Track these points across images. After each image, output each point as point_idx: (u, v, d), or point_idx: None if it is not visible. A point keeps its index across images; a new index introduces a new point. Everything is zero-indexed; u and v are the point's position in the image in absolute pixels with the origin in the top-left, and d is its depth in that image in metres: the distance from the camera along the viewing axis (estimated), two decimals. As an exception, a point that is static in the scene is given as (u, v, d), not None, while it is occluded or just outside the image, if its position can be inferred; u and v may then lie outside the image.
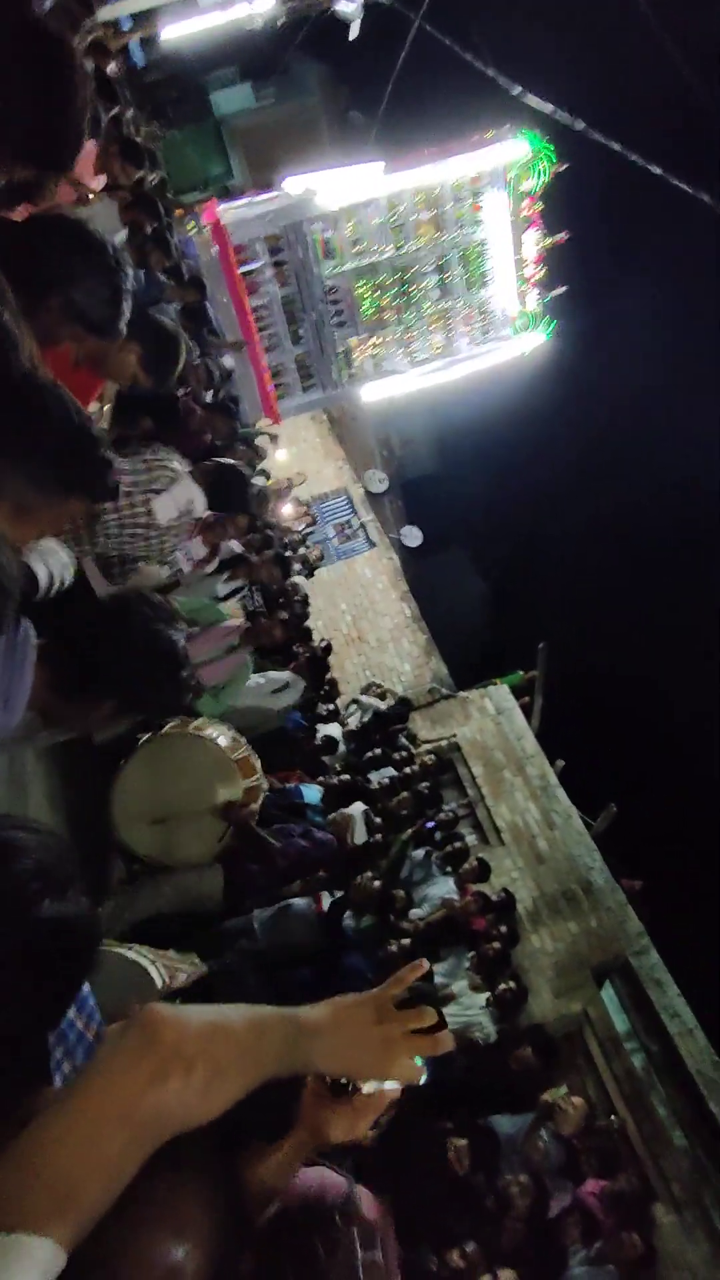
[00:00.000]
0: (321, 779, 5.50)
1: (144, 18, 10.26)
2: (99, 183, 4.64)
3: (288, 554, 6.54)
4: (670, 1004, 5.97)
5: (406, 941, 4.59)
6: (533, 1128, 4.66)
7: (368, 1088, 0.95)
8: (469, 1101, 4.70)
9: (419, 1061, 0.93)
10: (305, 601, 7.45)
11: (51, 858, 0.96)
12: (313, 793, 5.38)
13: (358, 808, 4.47)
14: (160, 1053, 0.74)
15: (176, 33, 10.19)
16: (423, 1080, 0.92)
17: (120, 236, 4.60)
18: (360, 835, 4.67)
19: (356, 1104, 0.95)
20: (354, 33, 9.72)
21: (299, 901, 4.07)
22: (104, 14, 9.43)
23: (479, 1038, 5.09)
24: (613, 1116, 5.34)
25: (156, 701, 1.67)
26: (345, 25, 9.67)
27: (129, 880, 3.71)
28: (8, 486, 1.26)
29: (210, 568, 4.58)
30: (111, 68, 6.91)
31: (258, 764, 3.59)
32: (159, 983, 2.11)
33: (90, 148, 4.41)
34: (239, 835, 3.51)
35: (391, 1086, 0.95)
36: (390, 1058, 0.90)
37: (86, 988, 1.13)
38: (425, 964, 1.01)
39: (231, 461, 3.94)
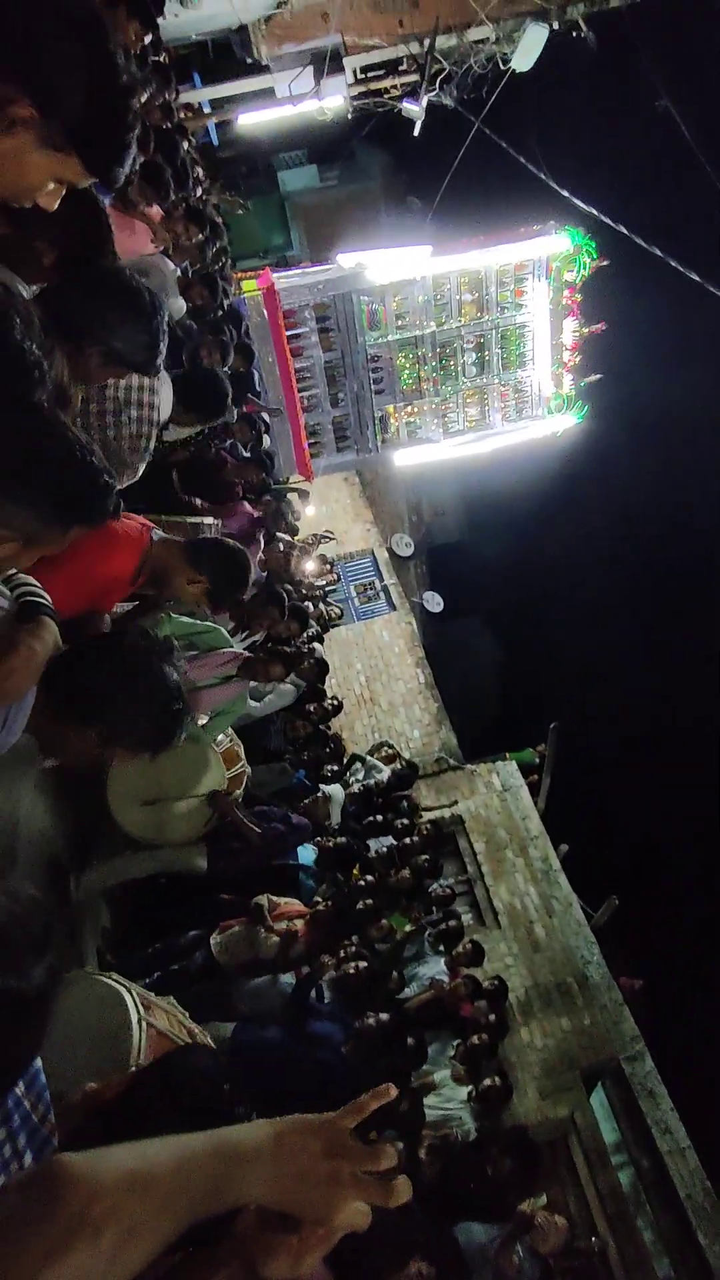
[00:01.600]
0: (319, 839, 5.38)
1: (222, 104, 11.04)
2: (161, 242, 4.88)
3: (305, 605, 6.59)
4: (663, 1118, 5.63)
5: (385, 1016, 4.37)
6: (508, 1240, 4.34)
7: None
8: (441, 1204, 4.40)
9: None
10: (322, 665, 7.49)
11: (10, 923, 0.94)
12: (307, 853, 5.27)
13: (337, 790, 4.39)
14: (63, 1219, 0.64)
15: (251, 120, 10.91)
16: (368, 1225, 0.79)
17: (180, 304, 4.81)
18: (336, 817, 4.78)
19: (304, 1238, 0.80)
20: (417, 130, 10.34)
21: (287, 978, 4.00)
22: (186, 97, 10.13)
23: (457, 1134, 4.80)
24: (594, 1238, 4.98)
25: (146, 735, 1.62)
26: (409, 121, 10.31)
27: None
28: (14, 522, 1.27)
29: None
30: (187, 145, 7.37)
31: (241, 752, 4.08)
32: (133, 1012, 2.06)
33: (155, 211, 4.65)
34: (223, 819, 3.91)
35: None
36: (336, 1200, 0.77)
37: (37, 1064, 1.06)
38: (393, 1091, 0.88)
39: (214, 370, 4.10)
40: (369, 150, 18.37)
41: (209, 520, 4.02)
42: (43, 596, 1.62)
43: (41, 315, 1.55)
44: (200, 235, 5.23)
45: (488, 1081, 5.05)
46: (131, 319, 1.92)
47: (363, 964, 4.47)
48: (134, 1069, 1.92)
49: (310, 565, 9.28)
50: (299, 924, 4.32)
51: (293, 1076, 3.51)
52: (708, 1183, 5.31)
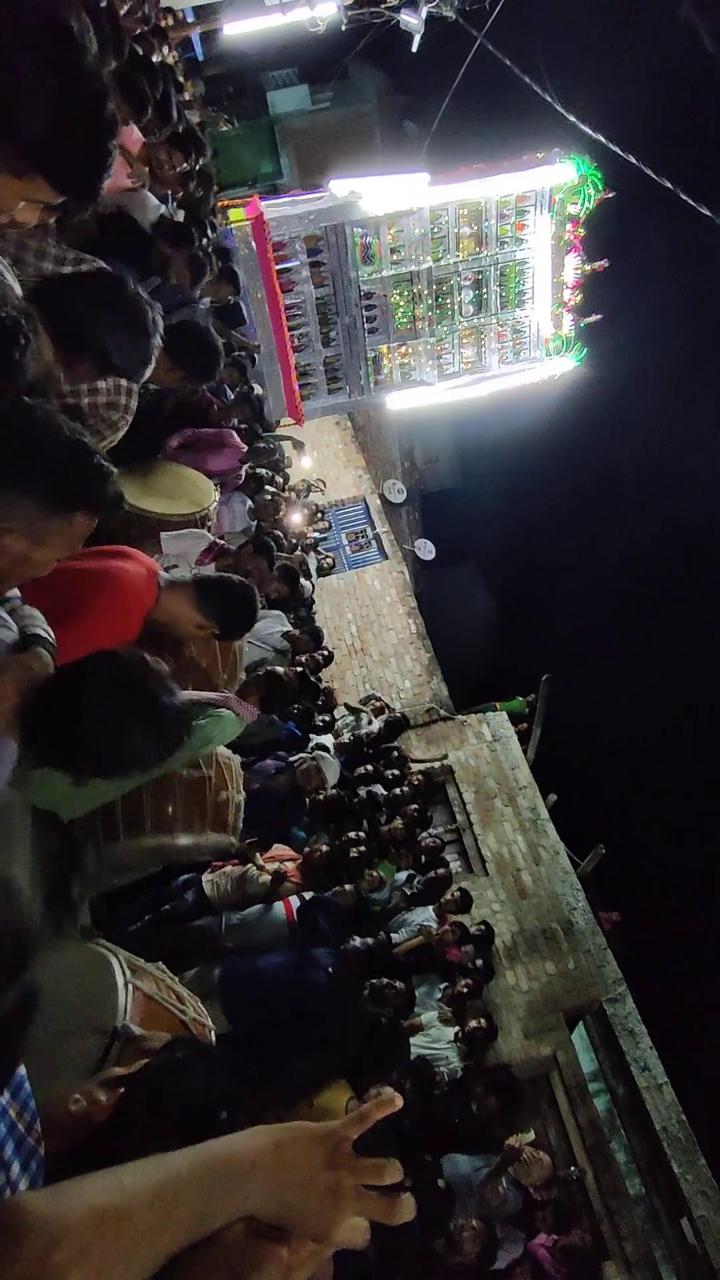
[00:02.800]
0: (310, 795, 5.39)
1: (207, 11, 10.29)
2: (144, 171, 4.57)
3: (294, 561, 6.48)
4: (642, 1056, 5.84)
5: (370, 940, 4.44)
6: (495, 1172, 4.52)
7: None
8: (427, 1138, 4.56)
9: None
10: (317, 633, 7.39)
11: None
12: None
13: (333, 761, 4.33)
14: (20, 1268, 0.59)
15: (238, 30, 10.19)
16: (366, 1241, 0.75)
17: (163, 210, 4.50)
18: (333, 777, 4.57)
19: (294, 1250, 0.75)
20: (415, 45, 9.70)
21: (277, 908, 4.07)
22: (168, 2, 9.44)
23: (443, 1072, 4.95)
24: (573, 1168, 5.20)
25: (130, 761, 1.53)
26: (407, 36, 9.66)
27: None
28: (17, 515, 1.27)
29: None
30: (169, 53, 6.87)
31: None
32: (118, 975, 2.04)
33: (135, 137, 4.34)
34: None
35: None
36: (335, 1214, 0.73)
37: (21, 1072, 1.01)
38: (398, 1100, 0.83)
39: (203, 326, 3.88)
40: (364, 69, 17.35)
41: (208, 506, 3.88)
42: (45, 630, 1.60)
43: (40, 313, 1.62)
44: (184, 164, 4.90)
45: (473, 1023, 5.19)
46: (131, 337, 2.00)
47: (349, 888, 4.58)
48: (120, 1035, 1.89)
49: (297, 517, 9.09)
50: (289, 865, 4.38)
51: (282, 1002, 3.58)
52: (683, 1116, 5.53)
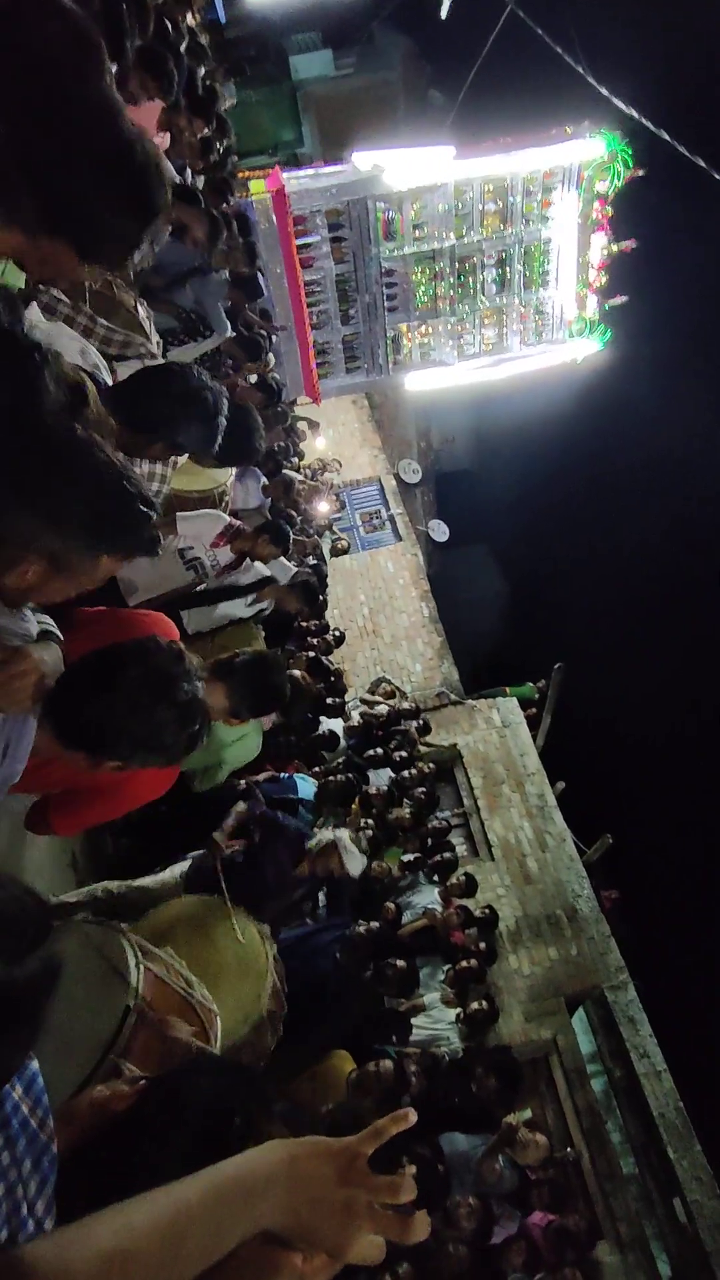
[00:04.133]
0: (319, 772, 5.42)
1: (230, -29, 10.05)
2: (164, 139, 4.49)
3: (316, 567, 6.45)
4: (641, 1043, 5.90)
5: (375, 924, 4.48)
6: (492, 1150, 4.60)
7: None
8: (426, 1117, 4.64)
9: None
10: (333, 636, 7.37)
11: (11, 913, 0.88)
12: (307, 786, 5.31)
13: (342, 834, 4.05)
14: None
15: (262, -10, 9.96)
16: (381, 1258, 0.76)
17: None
18: (354, 865, 4.03)
19: (309, 1260, 0.75)
20: (445, 11, 9.45)
21: None
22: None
23: (444, 1053, 5.03)
24: (569, 1149, 5.28)
25: (160, 760, 1.53)
26: (436, 2, 9.41)
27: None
28: (39, 541, 1.20)
29: (235, 575, 4.53)
30: (190, 18, 6.71)
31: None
32: (130, 955, 2.08)
33: (155, 103, 4.25)
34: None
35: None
36: (350, 1231, 0.73)
37: (34, 1066, 1.02)
38: (412, 1117, 0.83)
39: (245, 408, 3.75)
40: (390, 34, 16.89)
41: (225, 482, 3.85)
42: (56, 630, 1.58)
43: (114, 406, 1.67)
44: (205, 130, 4.81)
45: (475, 1005, 5.26)
46: (198, 423, 2.16)
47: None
48: (134, 1013, 1.93)
49: (324, 506, 9.11)
50: None
51: (294, 974, 3.64)
52: (680, 1103, 5.60)
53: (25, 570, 1.21)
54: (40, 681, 1.40)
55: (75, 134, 1.08)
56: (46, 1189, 0.99)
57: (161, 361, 2.54)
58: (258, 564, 4.46)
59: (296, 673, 3.91)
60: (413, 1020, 5.20)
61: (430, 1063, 4.74)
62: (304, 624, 6.46)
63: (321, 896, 4.10)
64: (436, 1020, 5.38)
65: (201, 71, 5.39)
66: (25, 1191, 0.95)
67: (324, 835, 3.80)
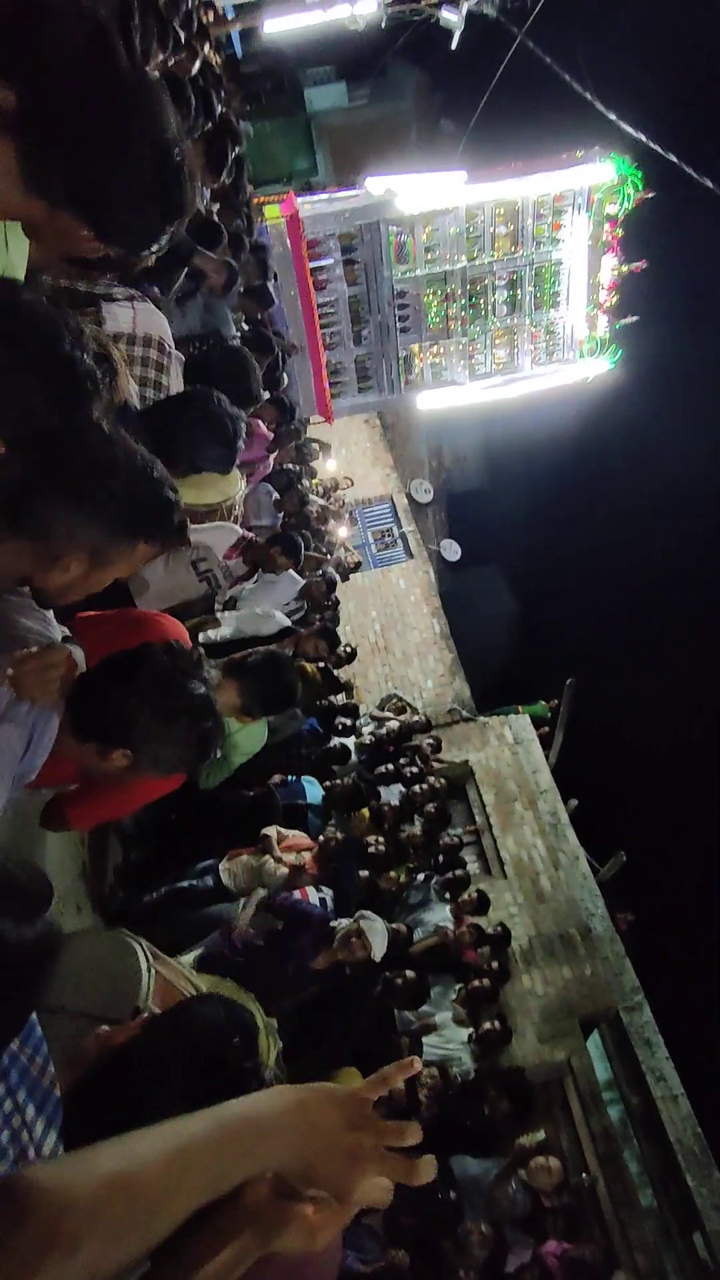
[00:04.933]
0: (327, 784, 5.40)
1: (247, 9, 10.35)
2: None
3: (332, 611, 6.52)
4: (658, 1066, 5.77)
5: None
6: (504, 1173, 4.50)
7: None
8: (437, 1140, 4.56)
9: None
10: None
11: (13, 880, 0.90)
12: (315, 790, 5.29)
13: (369, 918, 3.68)
14: (27, 1240, 0.58)
15: (278, 27, 10.24)
16: (389, 1201, 0.77)
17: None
18: (378, 945, 3.77)
19: (320, 1209, 0.75)
20: (455, 42, 9.66)
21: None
22: None
23: (455, 1074, 4.94)
24: (584, 1175, 5.15)
25: (171, 755, 1.54)
26: (447, 34, 9.62)
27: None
28: (82, 535, 1.31)
29: (248, 585, 4.57)
30: (209, 51, 6.90)
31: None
32: (142, 959, 2.09)
33: None
34: None
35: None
36: (356, 1173, 0.73)
37: (34, 1020, 1.04)
38: (417, 1064, 0.85)
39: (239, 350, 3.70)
40: (402, 67, 17.30)
41: (234, 495, 3.89)
42: (71, 636, 1.68)
43: (139, 432, 1.80)
44: (216, 182, 4.88)
45: (487, 1025, 5.18)
46: (219, 446, 2.36)
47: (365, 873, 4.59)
48: (145, 1012, 1.93)
49: (343, 531, 9.21)
50: (307, 856, 4.39)
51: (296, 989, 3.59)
52: (699, 1129, 5.46)
53: (68, 565, 1.30)
54: (70, 675, 1.45)
55: (122, 124, 1.12)
56: (52, 1131, 1.00)
57: (185, 390, 2.62)
58: (279, 614, 4.53)
59: (306, 665, 3.91)
60: (424, 1040, 5.13)
61: (442, 1083, 4.67)
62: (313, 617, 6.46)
63: (329, 900, 4.06)
64: (448, 1040, 5.30)
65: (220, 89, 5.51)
66: (31, 1135, 0.97)
67: (348, 924, 3.71)
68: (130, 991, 1.98)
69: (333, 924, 3.73)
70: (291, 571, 5.28)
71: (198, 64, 4.77)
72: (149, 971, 2.03)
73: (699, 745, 13.50)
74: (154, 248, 1.28)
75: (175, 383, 2.82)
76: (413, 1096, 4.39)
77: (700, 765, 13.20)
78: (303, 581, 5.40)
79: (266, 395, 5.87)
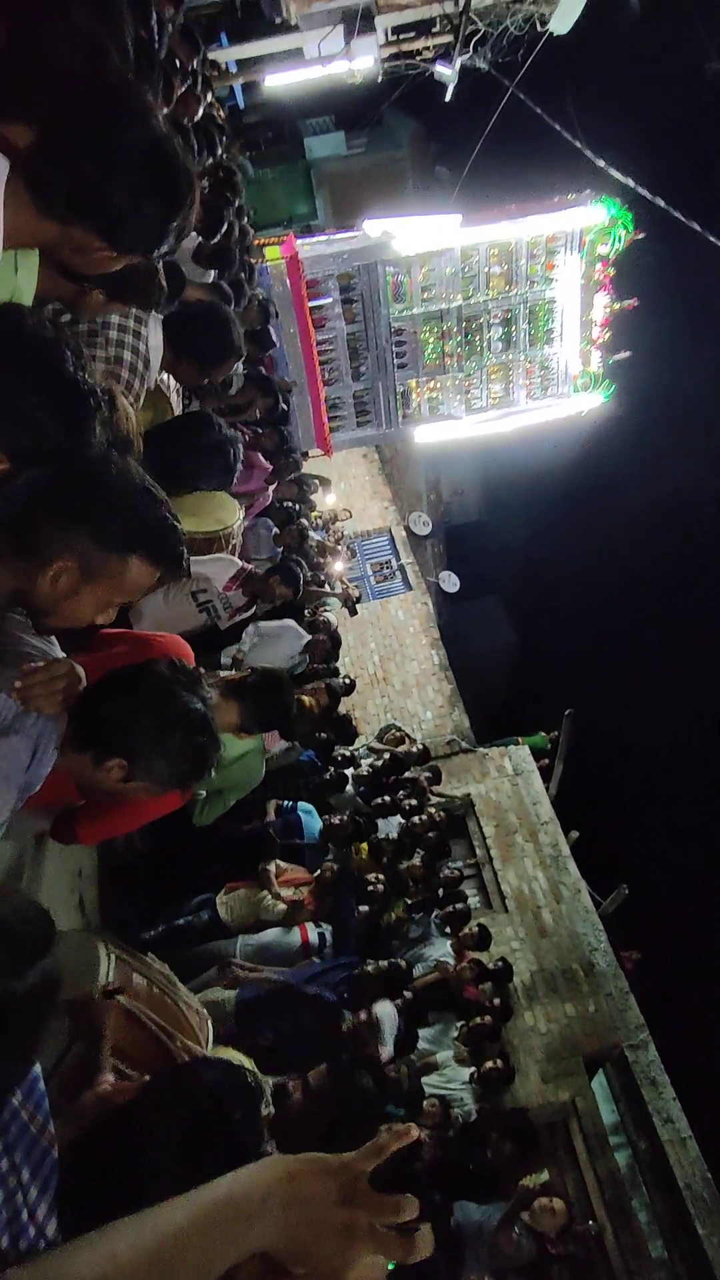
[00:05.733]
0: (325, 818, 5.35)
1: (249, 64, 10.75)
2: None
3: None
4: (665, 1107, 5.62)
5: (384, 964, 4.33)
6: (508, 1218, 4.36)
7: None
8: (438, 1183, 4.41)
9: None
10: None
11: (14, 926, 0.91)
12: (313, 822, 5.24)
13: (388, 1011, 3.56)
14: None
15: (278, 81, 10.62)
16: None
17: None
18: (388, 1046, 3.69)
19: None
20: (449, 95, 10.02)
21: (293, 935, 4.05)
22: (212, 56, 9.86)
23: (457, 1114, 4.82)
24: (590, 1222, 4.99)
25: (173, 765, 1.55)
26: (441, 86, 9.98)
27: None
28: (71, 542, 1.31)
29: (249, 641, 4.60)
30: (210, 100, 7.14)
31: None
32: (103, 952, 2.07)
33: None
34: None
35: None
36: (349, 1253, 0.69)
37: (36, 1070, 1.01)
38: (415, 1131, 0.80)
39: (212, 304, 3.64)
40: (398, 117, 17.91)
41: (232, 525, 3.94)
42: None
43: (146, 456, 1.91)
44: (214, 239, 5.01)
45: (489, 1063, 5.06)
46: (218, 473, 2.51)
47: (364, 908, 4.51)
48: (99, 995, 1.91)
49: (339, 565, 9.28)
50: (305, 892, 4.34)
51: (296, 1024, 3.50)
52: (708, 1173, 5.31)
53: (59, 573, 1.29)
54: (74, 688, 1.46)
55: (112, 126, 1.18)
56: (48, 1193, 0.97)
57: (185, 412, 2.70)
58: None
59: (305, 699, 3.92)
60: (424, 1080, 5.00)
61: (442, 1118, 4.55)
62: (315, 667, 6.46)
63: (328, 936, 4.01)
64: (449, 1080, 5.17)
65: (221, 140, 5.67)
66: (25, 1197, 0.94)
67: (355, 1018, 3.62)
68: (88, 974, 1.97)
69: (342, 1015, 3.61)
70: (296, 626, 5.31)
71: (200, 112, 4.92)
72: (109, 958, 2.02)
73: (701, 774, 13.42)
74: (164, 247, 1.32)
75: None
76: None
77: (704, 793, 13.10)
78: (307, 637, 5.43)
79: (266, 429, 5.99)
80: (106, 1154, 1.24)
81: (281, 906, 4.28)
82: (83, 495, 1.31)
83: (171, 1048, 1.94)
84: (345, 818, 5.07)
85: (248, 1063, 2.46)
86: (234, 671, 3.75)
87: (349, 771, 6.23)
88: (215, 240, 4.39)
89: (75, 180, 1.18)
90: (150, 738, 1.48)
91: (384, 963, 4.01)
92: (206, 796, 3.25)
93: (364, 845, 5.44)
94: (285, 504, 7.10)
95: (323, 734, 5.78)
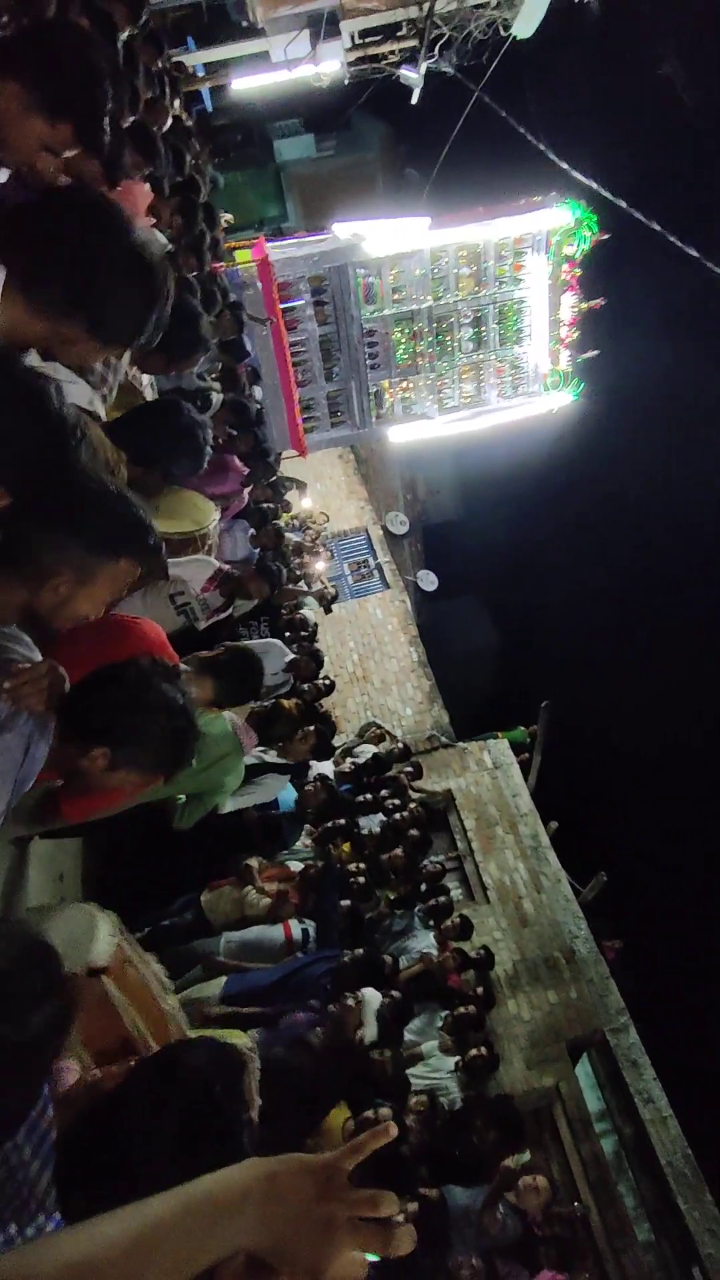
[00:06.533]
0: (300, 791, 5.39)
1: (216, 68, 10.78)
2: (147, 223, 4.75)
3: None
4: (646, 1088, 5.74)
5: (361, 952, 4.40)
6: (492, 1197, 4.43)
7: None
8: (425, 1168, 4.48)
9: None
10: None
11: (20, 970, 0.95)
12: (288, 797, 5.25)
13: (371, 996, 3.65)
14: None
15: (246, 85, 10.66)
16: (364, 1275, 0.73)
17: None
18: (371, 1032, 3.76)
19: None
20: (415, 98, 10.12)
21: (276, 930, 4.11)
22: (179, 60, 9.88)
23: (443, 1103, 4.89)
24: (576, 1204, 5.08)
25: (155, 752, 1.66)
26: (408, 90, 10.07)
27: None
28: (67, 556, 1.46)
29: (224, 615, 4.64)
30: (178, 104, 7.17)
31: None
32: (103, 928, 2.09)
33: (146, 190, 4.52)
34: None
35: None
36: (330, 1248, 0.70)
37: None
38: (394, 1130, 0.81)
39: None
40: (366, 119, 18.01)
41: (207, 525, 3.98)
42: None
43: (115, 440, 2.06)
44: (190, 232, 5.06)
45: (474, 1051, 5.14)
46: (189, 455, 2.58)
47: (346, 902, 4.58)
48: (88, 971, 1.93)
49: (320, 565, 9.35)
50: (289, 886, 4.40)
51: (280, 1012, 3.56)
52: (688, 1150, 5.43)
53: (59, 584, 1.44)
54: (59, 686, 1.56)
55: (97, 241, 1.40)
56: (47, 1173, 1.03)
57: (154, 401, 2.77)
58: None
59: (283, 701, 3.99)
60: (410, 1070, 5.07)
61: (430, 1111, 4.62)
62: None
63: (311, 932, 4.07)
64: (435, 1069, 5.25)
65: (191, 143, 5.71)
66: (26, 1174, 0.99)
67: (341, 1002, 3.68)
68: (78, 949, 1.99)
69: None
70: (280, 644, 5.36)
71: (169, 122, 4.98)
72: (110, 939, 2.04)
73: (675, 764, 13.65)
74: (142, 339, 1.52)
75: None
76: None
77: (677, 783, 13.33)
78: (291, 655, 5.48)
79: (241, 432, 6.04)
80: (100, 1137, 1.29)
81: (266, 900, 4.34)
82: (73, 513, 1.45)
83: (140, 1051, 1.93)
84: (318, 784, 5.13)
85: (242, 1039, 2.52)
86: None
87: (329, 765, 6.29)
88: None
89: (67, 286, 1.38)
90: (131, 724, 1.57)
91: (360, 951, 4.08)
92: (187, 800, 3.28)
93: (346, 846, 5.51)
94: (261, 505, 7.15)
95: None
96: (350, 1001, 3.58)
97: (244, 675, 2.81)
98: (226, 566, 4.29)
